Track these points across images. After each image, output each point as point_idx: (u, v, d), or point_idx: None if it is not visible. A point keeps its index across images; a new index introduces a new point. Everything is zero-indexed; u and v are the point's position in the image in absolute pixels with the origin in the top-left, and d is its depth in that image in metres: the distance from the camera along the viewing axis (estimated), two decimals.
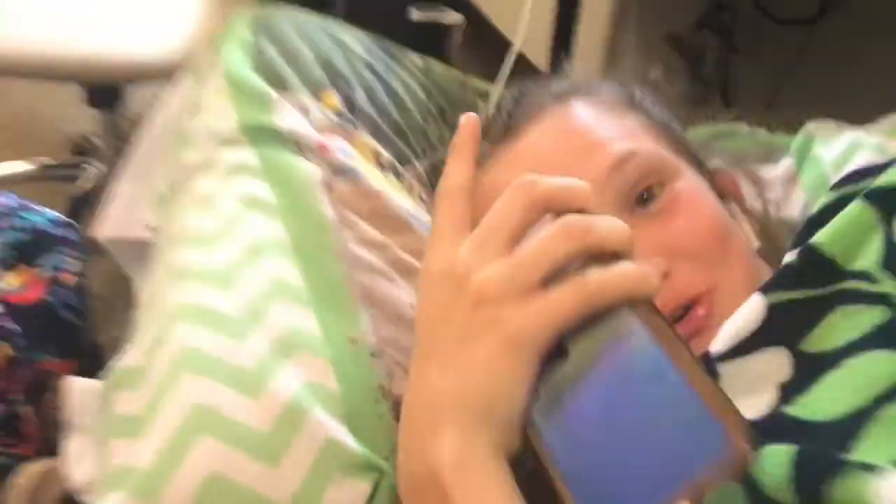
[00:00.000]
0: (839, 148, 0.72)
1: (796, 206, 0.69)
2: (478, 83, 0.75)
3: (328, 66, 0.66)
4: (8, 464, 0.93)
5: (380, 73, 0.69)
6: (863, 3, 1.31)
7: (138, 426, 0.45)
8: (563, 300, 0.37)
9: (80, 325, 1.06)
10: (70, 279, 1.08)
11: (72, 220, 1.13)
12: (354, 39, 0.71)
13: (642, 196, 0.51)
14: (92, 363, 1.01)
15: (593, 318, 0.37)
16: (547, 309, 0.37)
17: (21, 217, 1.09)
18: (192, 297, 0.50)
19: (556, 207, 0.40)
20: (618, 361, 0.35)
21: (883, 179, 0.48)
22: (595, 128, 0.55)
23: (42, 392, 0.99)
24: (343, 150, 0.60)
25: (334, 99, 0.65)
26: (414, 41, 2.40)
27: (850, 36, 1.39)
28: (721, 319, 0.46)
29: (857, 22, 1.35)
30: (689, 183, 0.54)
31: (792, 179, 0.72)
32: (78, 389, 0.58)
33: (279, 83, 0.63)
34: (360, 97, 0.66)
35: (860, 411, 0.40)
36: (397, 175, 0.64)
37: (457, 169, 0.45)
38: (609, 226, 0.38)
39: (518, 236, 0.39)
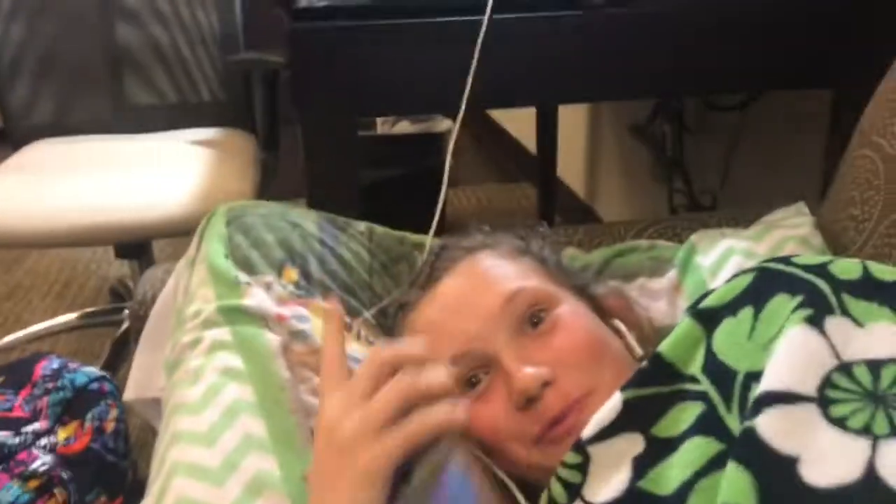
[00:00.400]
0: (715, 255, 0.87)
1: (679, 314, 0.84)
2: (413, 237, 0.91)
3: (287, 247, 0.84)
4: None
5: (329, 244, 0.86)
6: (778, 96, 1.48)
7: None
8: (396, 440, 0.56)
9: (123, 465, 1.23)
10: (110, 426, 1.25)
11: (108, 373, 1.30)
12: (309, 220, 0.88)
13: (532, 320, 0.67)
14: (135, 497, 1.17)
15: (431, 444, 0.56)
16: (385, 448, 0.56)
17: (64, 377, 1.27)
18: (184, 456, 0.66)
19: (398, 366, 0.59)
20: (441, 479, 0.56)
21: (705, 302, 0.63)
22: (494, 272, 0.72)
23: None
24: (299, 316, 0.77)
25: (293, 273, 0.82)
26: (408, 151, 2.60)
27: (773, 118, 1.55)
28: (592, 415, 0.61)
29: (778, 109, 1.52)
30: (568, 308, 0.69)
31: (676, 288, 0.86)
32: None
33: (248, 267, 0.81)
34: (314, 267, 0.83)
35: (686, 484, 0.55)
36: (347, 328, 0.80)
37: (329, 344, 0.65)
38: (431, 376, 0.58)
39: (372, 391, 0.58)
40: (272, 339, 0.74)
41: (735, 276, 0.64)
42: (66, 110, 1.93)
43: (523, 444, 0.64)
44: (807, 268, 0.60)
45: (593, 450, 0.59)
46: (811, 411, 0.50)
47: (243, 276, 0.80)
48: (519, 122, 2.80)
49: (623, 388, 0.60)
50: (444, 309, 0.71)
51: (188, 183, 1.63)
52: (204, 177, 1.66)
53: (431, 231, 0.88)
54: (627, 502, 0.57)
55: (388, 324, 0.82)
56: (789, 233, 0.88)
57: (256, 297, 0.78)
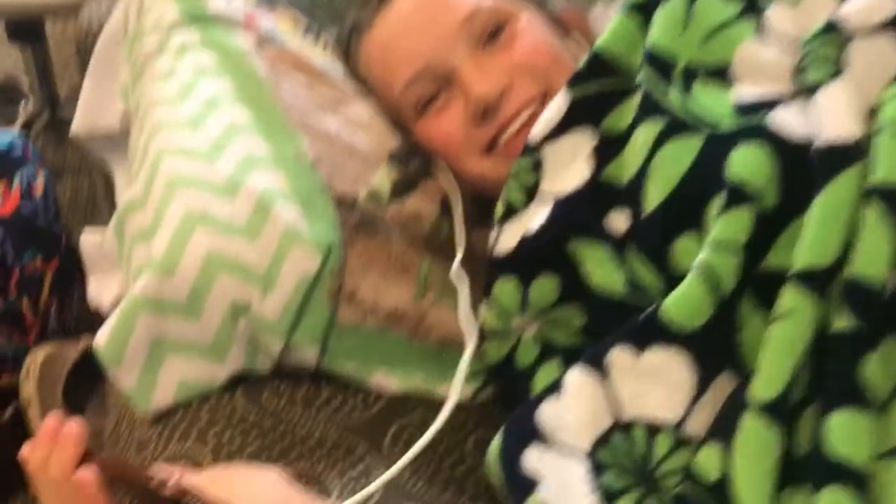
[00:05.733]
0: None
1: None
2: None
3: None
4: (15, 352, 1.07)
5: None
6: None
7: (149, 233, 0.61)
8: None
9: (56, 229, 1.20)
10: (39, 190, 1.20)
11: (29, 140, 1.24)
12: None
13: (491, 34, 0.67)
14: (70, 261, 1.14)
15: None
16: None
17: None
18: (170, 141, 0.65)
19: None
20: None
21: None
22: None
23: (34, 288, 1.13)
24: (267, 20, 0.75)
25: None
26: None
27: None
28: None
29: None
30: (524, 21, 0.69)
31: None
32: (88, 241, 0.74)
33: None
34: None
35: (641, 170, 0.57)
36: (315, 37, 0.79)
37: None
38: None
39: None
40: (243, 40, 0.72)
41: None
42: None
43: (475, 155, 0.66)
44: None
45: (545, 150, 0.61)
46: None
47: None
48: None
49: (569, 86, 0.61)
50: (399, 29, 0.69)
51: None
52: None
53: None
54: (594, 191, 0.59)
55: (344, 47, 0.79)
56: None
57: (221, 3, 0.75)
